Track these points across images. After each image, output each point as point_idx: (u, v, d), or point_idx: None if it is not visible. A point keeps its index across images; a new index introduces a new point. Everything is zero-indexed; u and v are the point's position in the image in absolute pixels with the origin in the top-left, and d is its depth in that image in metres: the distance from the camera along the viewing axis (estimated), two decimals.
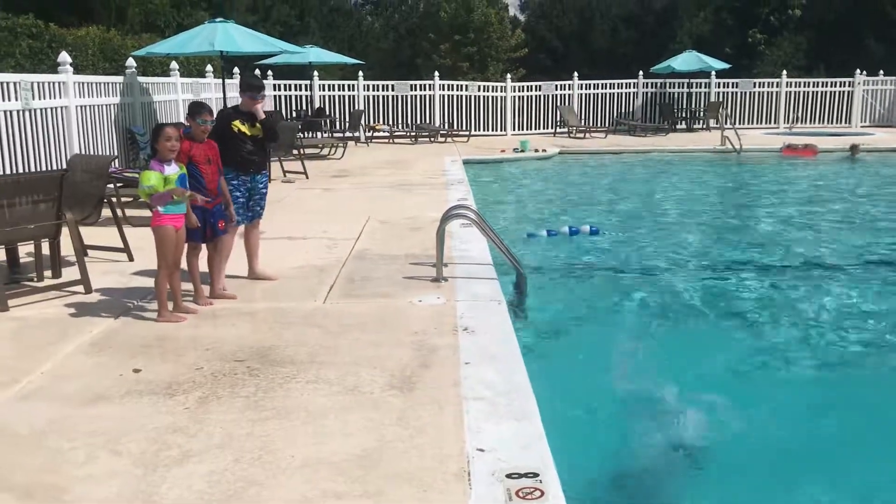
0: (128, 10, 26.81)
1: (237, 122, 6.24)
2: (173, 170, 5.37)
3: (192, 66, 18.76)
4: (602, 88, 25.02)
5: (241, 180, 6.34)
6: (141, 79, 13.09)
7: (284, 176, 13.46)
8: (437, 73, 24.32)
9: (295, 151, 14.43)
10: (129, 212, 8.92)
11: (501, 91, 24.28)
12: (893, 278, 8.18)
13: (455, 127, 23.06)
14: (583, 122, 24.00)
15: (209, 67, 17.34)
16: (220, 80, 15.43)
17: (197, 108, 5.96)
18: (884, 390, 5.35)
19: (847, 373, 5.68)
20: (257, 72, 21.75)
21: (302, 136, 17.66)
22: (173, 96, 14.44)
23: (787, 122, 25.00)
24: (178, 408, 4.07)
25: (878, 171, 16.78)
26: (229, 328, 5.38)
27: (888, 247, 9.61)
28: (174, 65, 14.90)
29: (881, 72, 25.84)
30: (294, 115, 22.06)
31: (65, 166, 8.76)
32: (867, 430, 4.67)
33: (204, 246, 6.03)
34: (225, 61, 15.71)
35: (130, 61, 12.91)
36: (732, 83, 25.51)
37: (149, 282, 6.19)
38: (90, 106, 11.21)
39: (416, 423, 3.84)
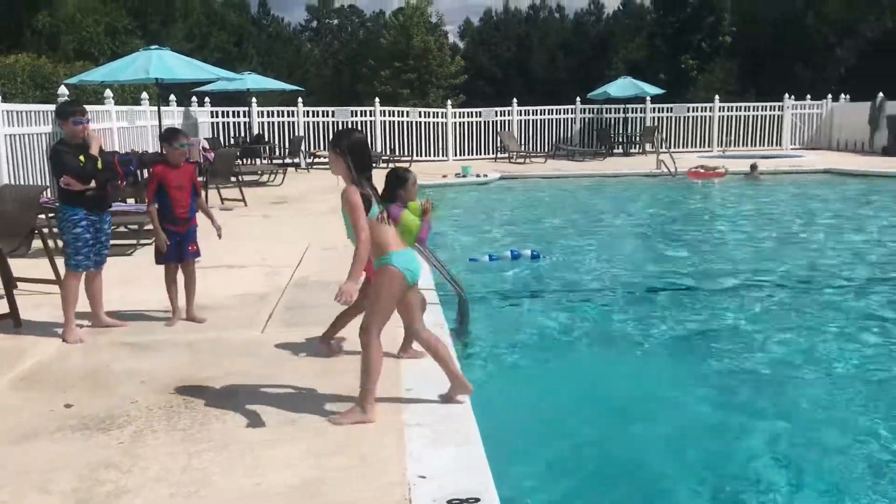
0: (60, 37, 26.34)
1: (82, 157, 5.67)
2: None
3: (128, 93, 18.49)
4: (541, 114, 25.39)
5: (90, 220, 5.78)
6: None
7: (223, 203, 13.30)
8: (377, 100, 24.40)
9: (233, 178, 14.28)
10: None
11: (442, 117, 24.44)
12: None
13: (397, 153, 23.11)
14: (523, 147, 24.28)
15: (144, 95, 17.08)
16: (156, 108, 15.22)
17: (173, 134, 6.07)
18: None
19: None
20: (194, 99, 21.53)
21: (240, 163, 17.51)
22: (107, 124, 14.17)
23: (721, 146, 25.66)
24: (112, 443, 3.96)
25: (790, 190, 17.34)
26: (165, 360, 5.27)
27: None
28: (108, 92, 14.66)
29: (808, 96, 26.78)
30: (232, 141, 21.86)
31: None
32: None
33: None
34: (161, 89, 15.51)
35: (63, 89, 12.66)
36: (667, 108, 26.11)
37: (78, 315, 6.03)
38: (20, 135, 10.94)
39: (358, 452, 3.80)
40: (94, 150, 5.73)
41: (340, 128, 4.16)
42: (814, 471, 4.47)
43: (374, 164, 4.37)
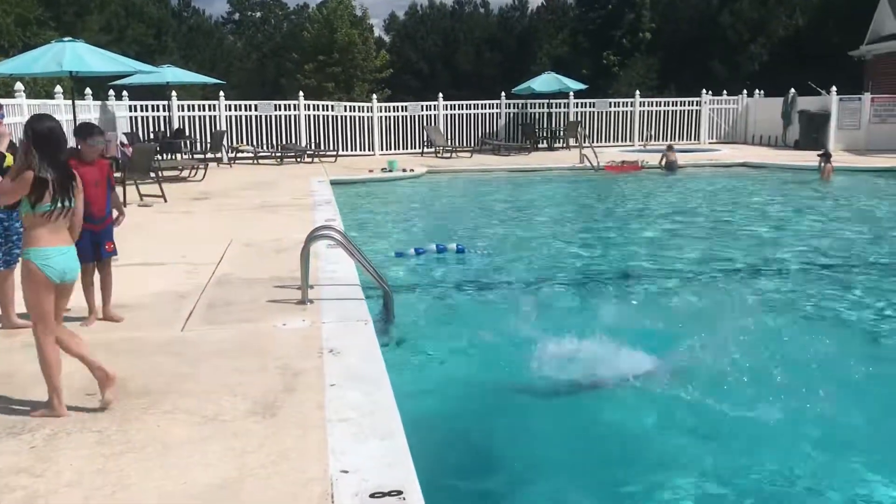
0: None
1: None
2: None
3: (40, 87, 17.88)
4: (466, 109, 25.48)
5: None
6: None
7: (141, 200, 12.97)
8: (301, 94, 24.12)
9: (152, 174, 13.94)
10: None
11: (368, 111, 24.32)
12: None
13: (322, 147, 22.91)
14: (449, 141, 24.33)
15: (58, 88, 16.52)
16: (71, 102, 14.75)
17: (88, 130, 5.91)
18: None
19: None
20: (112, 92, 20.93)
21: (160, 157, 17.12)
22: (19, 119, 13.66)
23: (642, 140, 26.19)
24: (23, 447, 3.84)
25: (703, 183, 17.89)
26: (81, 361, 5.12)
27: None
28: (19, 85, 14.14)
29: (725, 92, 27.57)
30: (152, 136, 21.32)
31: None
32: None
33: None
34: (76, 82, 15.03)
35: None
36: (590, 103, 26.49)
37: None
38: None
39: (279, 449, 3.77)
40: (3, 147, 5.53)
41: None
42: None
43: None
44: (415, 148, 24.55)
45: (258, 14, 68.68)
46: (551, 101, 26.09)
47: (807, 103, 24.50)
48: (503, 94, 25.90)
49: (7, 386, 4.70)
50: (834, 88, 23.58)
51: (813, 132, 23.61)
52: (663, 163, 19.79)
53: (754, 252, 10.41)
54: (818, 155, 18.40)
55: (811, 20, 39.77)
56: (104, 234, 6.00)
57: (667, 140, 26.24)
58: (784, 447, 4.70)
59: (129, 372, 4.86)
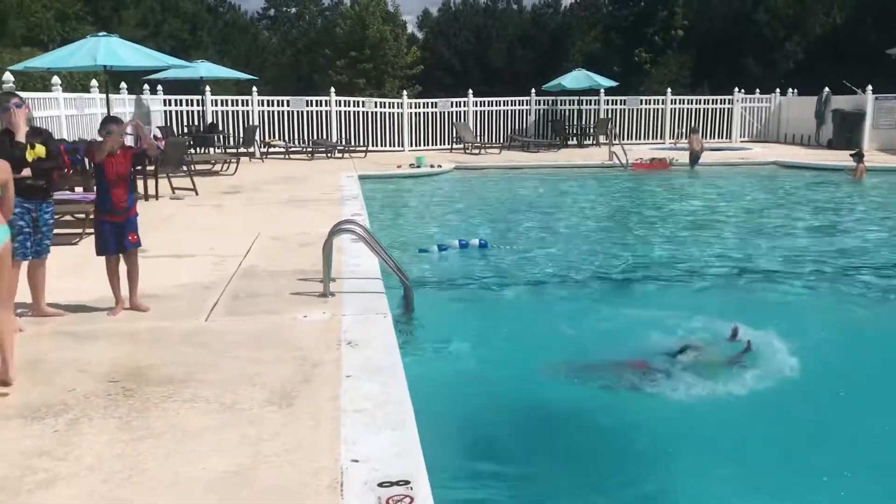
0: (8, 22, 25.77)
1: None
2: None
3: (77, 81, 18.20)
4: (496, 105, 25.46)
5: (25, 208, 5.66)
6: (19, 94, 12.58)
7: (173, 192, 13.18)
8: (333, 89, 24.29)
9: (184, 167, 14.15)
10: None
11: (398, 107, 24.41)
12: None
13: (352, 143, 23.06)
14: (478, 138, 24.35)
15: (94, 82, 16.81)
16: (105, 96, 15.00)
17: (102, 122, 6.13)
18: None
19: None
20: (146, 87, 21.25)
21: (193, 151, 17.35)
22: (55, 112, 13.94)
23: (672, 138, 26.00)
24: (46, 431, 3.97)
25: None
26: (106, 349, 5.26)
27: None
28: (56, 79, 14.41)
29: (758, 90, 27.25)
30: (185, 130, 21.62)
31: None
32: None
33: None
34: (111, 76, 15.28)
35: (7, 76, 12.43)
36: (620, 100, 26.36)
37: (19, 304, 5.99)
38: None
39: (294, 438, 3.86)
40: (21, 138, 5.67)
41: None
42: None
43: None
44: (443, 144, 24.61)
45: (293, 10, 69.05)
46: (582, 97, 25.99)
47: (841, 102, 24.17)
48: (533, 90, 25.84)
49: (33, 372, 4.84)
50: (870, 87, 23.22)
51: (847, 131, 23.29)
52: (689, 156, 19.64)
53: (781, 253, 10.34)
54: (851, 155, 18.16)
55: (849, 17, 39.13)
56: (127, 226, 6.09)
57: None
58: None
59: (153, 361, 4.99)
